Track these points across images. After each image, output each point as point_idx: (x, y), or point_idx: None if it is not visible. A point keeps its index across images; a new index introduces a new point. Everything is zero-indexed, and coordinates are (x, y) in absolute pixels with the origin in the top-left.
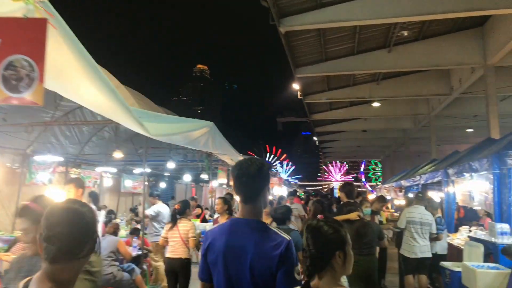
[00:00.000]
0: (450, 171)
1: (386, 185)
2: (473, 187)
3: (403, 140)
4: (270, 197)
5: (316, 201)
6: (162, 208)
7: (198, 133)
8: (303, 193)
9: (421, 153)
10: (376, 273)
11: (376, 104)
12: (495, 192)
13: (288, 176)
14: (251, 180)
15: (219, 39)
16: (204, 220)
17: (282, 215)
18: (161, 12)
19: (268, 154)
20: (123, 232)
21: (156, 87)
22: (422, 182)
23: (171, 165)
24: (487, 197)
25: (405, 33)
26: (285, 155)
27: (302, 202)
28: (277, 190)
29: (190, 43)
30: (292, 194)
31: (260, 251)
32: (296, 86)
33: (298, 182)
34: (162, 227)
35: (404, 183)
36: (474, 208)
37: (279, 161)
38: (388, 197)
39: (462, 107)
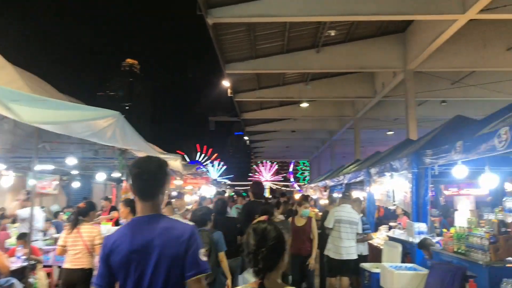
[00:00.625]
0: (372, 170)
1: (312, 185)
2: (393, 187)
3: (330, 141)
4: (197, 197)
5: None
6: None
7: (103, 123)
8: (233, 193)
9: (346, 154)
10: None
11: (304, 105)
12: (413, 191)
13: (219, 176)
14: (152, 177)
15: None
16: (117, 223)
17: (201, 217)
18: (87, 2)
19: (198, 153)
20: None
21: (80, 80)
22: (345, 181)
23: (71, 161)
24: (406, 196)
25: (332, 33)
26: (216, 154)
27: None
28: (205, 190)
29: (119, 35)
30: (220, 194)
31: (167, 242)
32: (226, 83)
33: (229, 182)
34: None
35: (328, 182)
36: (391, 207)
37: (210, 161)
38: (313, 197)
39: (384, 110)
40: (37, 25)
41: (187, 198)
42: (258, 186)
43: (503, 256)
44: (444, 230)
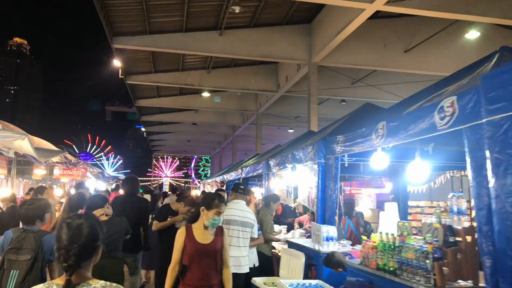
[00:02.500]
0: (272, 162)
1: (209, 180)
2: (295, 181)
3: (232, 136)
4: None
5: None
6: None
7: None
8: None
9: (247, 151)
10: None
11: (206, 94)
12: (319, 185)
13: (114, 170)
14: None
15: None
16: None
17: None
18: None
19: (90, 144)
20: None
21: None
22: (243, 175)
23: None
24: (311, 192)
25: (237, 10)
26: (110, 147)
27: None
28: (91, 184)
29: (3, 11)
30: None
31: None
32: (117, 62)
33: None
34: None
35: (226, 177)
36: (291, 205)
37: (103, 153)
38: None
39: (286, 106)
40: None
41: (58, 192)
42: (131, 181)
43: (452, 277)
44: (364, 237)
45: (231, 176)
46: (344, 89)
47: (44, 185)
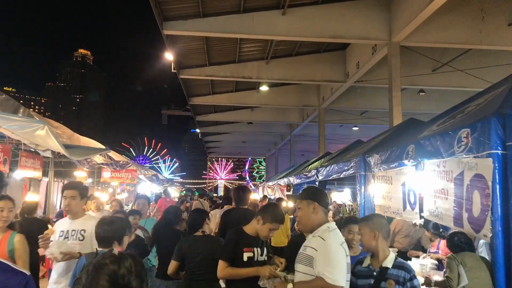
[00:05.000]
0: (373, 159)
1: (270, 183)
2: (421, 186)
3: (290, 136)
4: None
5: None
6: None
7: None
8: (183, 192)
9: (305, 152)
10: None
11: (264, 88)
12: (496, 193)
13: (170, 173)
14: None
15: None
16: None
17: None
18: None
19: (146, 147)
20: None
21: (28, 69)
22: (319, 178)
23: None
24: (460, 203)
25: None
26: (165, 150)
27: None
28: (145, 187)
29: (71, 24)
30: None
31: None
32: (169, 55)
33: (180, 180)
34: None
35: (293, 179)
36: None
37: (159, 156)
38: (271, 197)
39: (351, 100)
40: None
41: (104, 197)
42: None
43: None
44: None
45: (298, 178)
46: (424, 77)
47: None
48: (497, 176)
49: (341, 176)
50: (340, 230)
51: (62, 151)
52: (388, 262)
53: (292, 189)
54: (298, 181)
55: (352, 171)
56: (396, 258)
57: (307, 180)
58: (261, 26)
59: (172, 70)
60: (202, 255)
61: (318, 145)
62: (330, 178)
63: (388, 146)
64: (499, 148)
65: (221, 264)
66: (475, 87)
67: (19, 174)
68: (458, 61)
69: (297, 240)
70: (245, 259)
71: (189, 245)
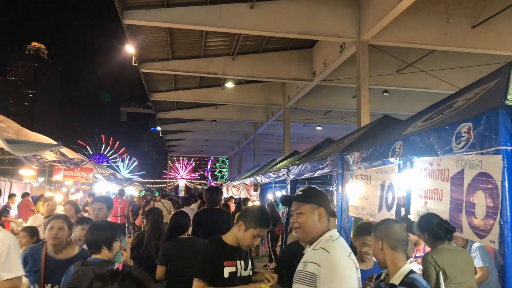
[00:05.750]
0: (352, 157)
1: (235, 182)
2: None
3: (253, 135)
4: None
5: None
6: None
7: None
8: (143, 191)
9: (269, 151)
10: None
11: (229, 85)
12: (505, 193)
13: (129, 172)
14: None
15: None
16: None
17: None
18: None
19: (104, 145)
20: None
21: None
22: (290, 177)
23: None
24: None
25: None
26: (124, 148)
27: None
28: (102, 187)
29: (23, 16)
30: (121, 194)
31: None
32: (130, 48)
33: (139, 179)
34: None
35: (260, 179)
36: None
37: (118, 155)
38: (235, 196)
39: (316, 100)
40: None
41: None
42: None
43: None
44: None
45: (267, 177)
46: (389, 77)
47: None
48: (506, 175)
49: (315, 175)
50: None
51: (2, 145)
52: (396, 278)
53: (259, 189)
54: (266, 180)
55: (328, 170)
56: (408, 273)
57: (277, 179)
58: (229, 19)
59: (133, 64)
60: (189, 257)
61: (283, 145)
62: (303, 177)
63: (367, 144)
64: (508, 144)
65: (197, 284)
66: (437, 88)
67: None
68: (421, 62)
69: (291, 250)
70: (226, 275)
71: (176, 248)
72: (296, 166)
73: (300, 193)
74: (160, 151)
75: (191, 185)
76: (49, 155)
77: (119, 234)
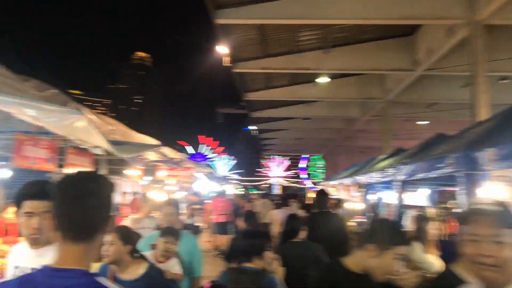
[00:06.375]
0: (485, 154)
1: (333, 182)
2: None
3: (349, 132)
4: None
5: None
6: None
7: None
8: (239, 189)
9: (365, 149)
10: None
11: (323, 80)
12: None
13: (229, 171)
14: (85, 204)
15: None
16: None
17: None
18: None
19: (201, 145)
20: None
21: (90, 73)
22: (400, 177)
23: None
24: None
25: None
26: (222, 148)
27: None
28: (202, 186)
29: (128, 29)
30: (222, 194)
31: None
32: (222, 49)
33: (237, 177)
34: None
35: (362, 179)
36: None
37: (216, 154)
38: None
39: (419, 92)
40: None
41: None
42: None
43: None
44: None
45: (370, 177)
46: (508, 61)
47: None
48: None
49: (433, 175)
50: None
51: (106, 146)
52: None
53: (362, 190)
54: (369, 180)
55: (450, 169)
56: None
57: (382, 180)
58: (321, 10)
59: (225, 65)
60: (304, 261)
61: (382, 142)
62: (415, 177)
63: (507, 138)
64: None
65: None
66: None
67: (68, 172)
68: None
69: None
70: None
71: (292, 251)
72: (407, 165)
73: (498, 209)
74: (254, 150)
75: (285, 184)
76: (151, 155)
77: (270, 243)
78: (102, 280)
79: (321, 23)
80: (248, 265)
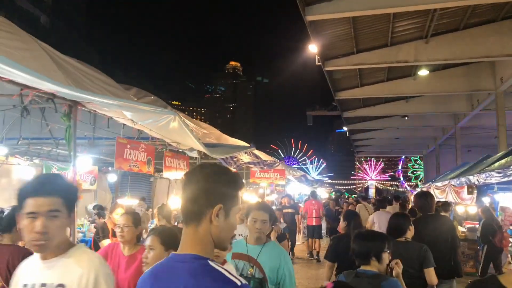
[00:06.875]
0: None
1: (439, 184)
2: None
3: (453, 129)
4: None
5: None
6: None
7: None
8: (333, 193)
9: (472, 147)
10: None
11: (423, 73)
12: None
13: (318, 174)
14: (192, 191)
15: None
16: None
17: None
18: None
19: (293, 148)
20: None
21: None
22: None
23: None
24: None
25: None
26: (311, 150)
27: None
28: (292, 189)
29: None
30: (314, 196)
31: None
32: (313, 48)
33: (329, 180)
34: None
35: (477, 179)
36: None
37: (306, 157)
38: (441, 200)
39: None
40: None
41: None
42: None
43: None
44: None
45: (488, 177)
46: None
47: None
48: None
49: None
50: None
51: (200, 147)
52: None
53: (475, 191)
54: (486, 180)
55: None
56: None
57: (503, 179)
58: None
59: (317, 63)
60: (407, 261)
61: (496, 137)
62: None
63: None
64: None
65: None
66: None
67: (166, 175)
68: None
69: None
70: None
71: (396, 250)
72: None
73: None
74: (347, 152)
75: (381, 187)
76: (244, 157)
77: (389, 245)
78: (214, 264)
79: (420, 9)
80: (365, 268)
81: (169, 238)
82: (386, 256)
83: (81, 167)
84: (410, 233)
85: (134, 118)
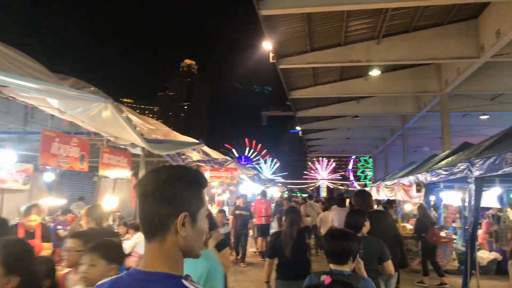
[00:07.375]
0: None
1: (388, 182)
2: None
3: (401, 130)
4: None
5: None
6: None
7: None
8: (286, 192)
9: (418, 148)
10: None
11: (375, 73)
12: None
13: (272, 174)
14: (150, 202)
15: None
16: None
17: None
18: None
19: (248, 148)
20: None
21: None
22: (476, 173)
23: None
24: None
25: None
26: (265, 150)
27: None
28: (245, 188)
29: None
30: (263, 194)
31: None
32: (267, 44)
33: (282, 180)
34: None
35: (424, 177)
36: None
37: (260, 156)
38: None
39: (483, 82)
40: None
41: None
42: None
43: None
44: None
45: (435, 175)
46: None
47: None
48: None
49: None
50: None
51: (139, 141)
52: None
53: (423, 189)
54: (434, 178)
55: None
56: None
57: (450, 177)
58: None
59: (271, 61)
60: (367, 256)
61: (441, 138)
62: (499, 172)
63: None
64: None
65: None
66: None
67: (104, 174)
68: None
69: None
70: None
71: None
72: (485, 159)
73: None
74: (300, 152)
75: (332, 186)
76: (194, 155)
77: (360, 244)
78: (188, 283)
79: (373, 8)
80: (340, 268)
81: (111, 251)
82: (358, 256)
83: (6, 165)
84: (366, 228)
85: (61, 107)
